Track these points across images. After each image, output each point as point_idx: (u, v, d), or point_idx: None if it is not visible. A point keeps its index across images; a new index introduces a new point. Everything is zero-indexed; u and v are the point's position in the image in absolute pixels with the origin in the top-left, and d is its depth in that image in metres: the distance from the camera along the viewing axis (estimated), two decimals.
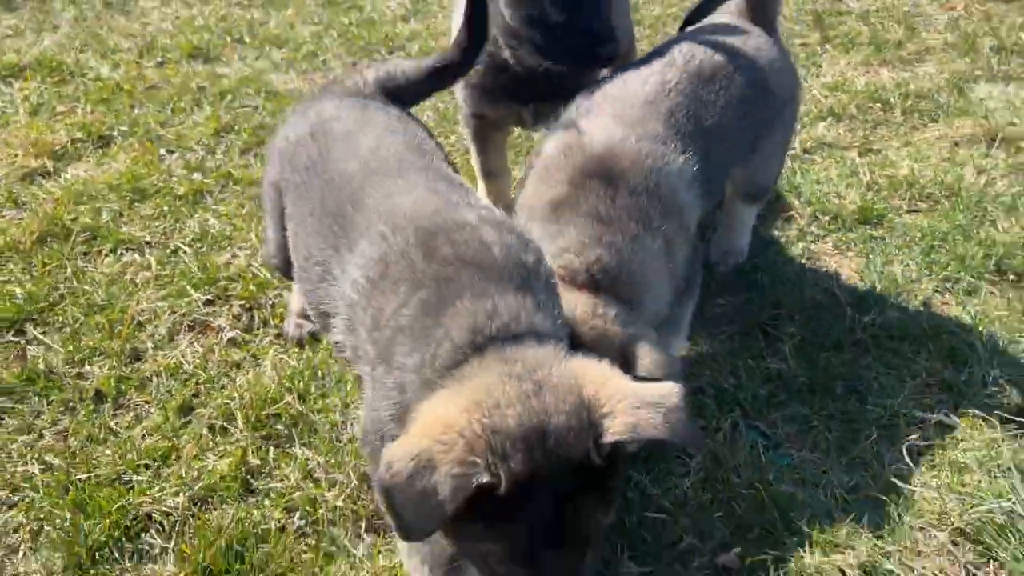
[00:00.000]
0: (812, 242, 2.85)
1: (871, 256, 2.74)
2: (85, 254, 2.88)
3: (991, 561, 1.77)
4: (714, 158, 2.36)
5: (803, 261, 2.79)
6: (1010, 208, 2.88)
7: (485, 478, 1.23)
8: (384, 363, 1.58)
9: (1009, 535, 1.78)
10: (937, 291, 2.60)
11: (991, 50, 3.94)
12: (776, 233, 2.92)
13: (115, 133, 3.59)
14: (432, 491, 1.24)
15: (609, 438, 1.30)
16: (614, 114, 2.30)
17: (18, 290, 2.61)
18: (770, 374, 2.34)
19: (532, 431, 1.30)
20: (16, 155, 3.38)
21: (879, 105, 3.60)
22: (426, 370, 1.48)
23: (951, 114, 3.53)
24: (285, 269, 2.24)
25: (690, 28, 2.79)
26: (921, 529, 1.90)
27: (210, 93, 3.90)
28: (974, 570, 1.78)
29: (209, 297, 2.65)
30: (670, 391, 1.37)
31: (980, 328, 2.41)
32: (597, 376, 1.42)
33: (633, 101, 2.34)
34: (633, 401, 1.35)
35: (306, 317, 2.41)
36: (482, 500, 1.25)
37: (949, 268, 2.64)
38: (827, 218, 2.93)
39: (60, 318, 2.56)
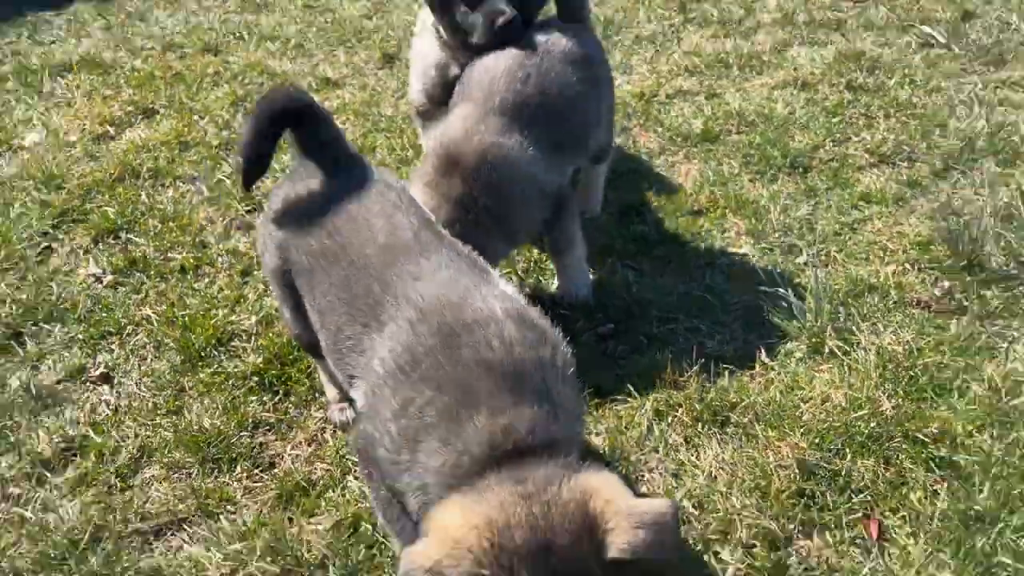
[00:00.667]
0: (669, 155, 3.34)
1: (708, 161, 3.25)
2: (152, 187, 3.25)
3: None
4: (562, 134, 2.54)
5: (662, 167, 3.30)
6: (804, 127, 3.39)
7: None
8: (408, 453, 1.47)
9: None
10: (751, 180, 3.13)
11: (803, 23, 4.45)
12: (644, 150, 3.41)
13: (156, 106, 3.84)
14: None
15: (609, 555, 1.25)
16: (474, 104, 2.45)
17: (110, 211, 3.02)
18: (637, 234, 2.86)
19: (538, 550, 1.24)
20: (84, 125, 3.66)
21: (721, 64, 4.04)
22: (447, 477, 1.40)
23: (771, 68, 3.99)
24: (314, 350, 2.05)
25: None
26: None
27: (224, 76, 4.18)
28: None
29: (250, 208, 3.08)
30: (666, 511, 1.30)
31: (776, 200, 2.98)
32: (603, 492, 1.32)
33: (490, 92, 2.46)
34: (633, 521, 1.27)
35: (343, 400, 2.23)
36: None
37: (759, 165, 3.16)
38: (680, 139, 3.40)
39: (144, 227, 2.98)
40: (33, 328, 2.68)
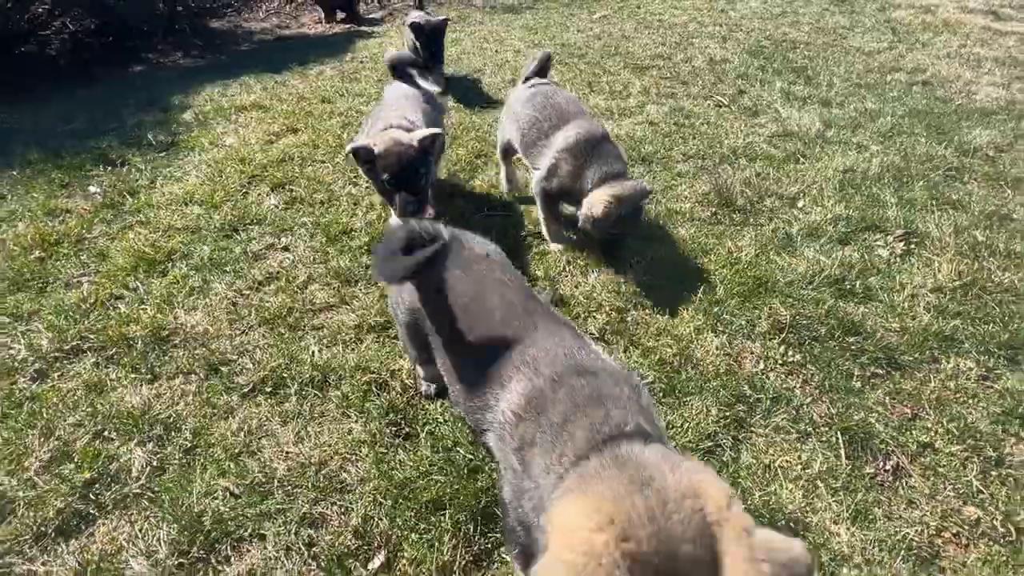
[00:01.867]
0: None
1: None
2: (300, 165, 3.64)
3: None
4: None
5: None
6: (650, 143, 3.92)
7: None
8: (526, 473, 1.15)
9: None
10: None
11: (654, 94, 4.77)
12: None
13: (298, 127, 4.23)
14: None
15: None
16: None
17: (278, 174, 3.52)
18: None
19: (664, 561, 0.79)
20: (258, 135, 4.11)
21: (609, 113, 4.41)
22: (555, 468, 1.06)
23: (635, 115, 4.28)
24: (425, 363, 1.84)
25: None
26: None
27: (334, 114, 4.52)
28: None
29: (355, 173, 3.58)
30: (801, 556, 0.81)
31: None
32: (716, 496, 0.86)
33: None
34: (761, 554, 0.80)
35: (431, 380, 2.00)
36: None
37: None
38: None
39: (298, 183, 3.44)
40: (243, 227, 3.03)
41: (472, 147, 3.94)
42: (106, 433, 1.91)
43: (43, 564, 1.56)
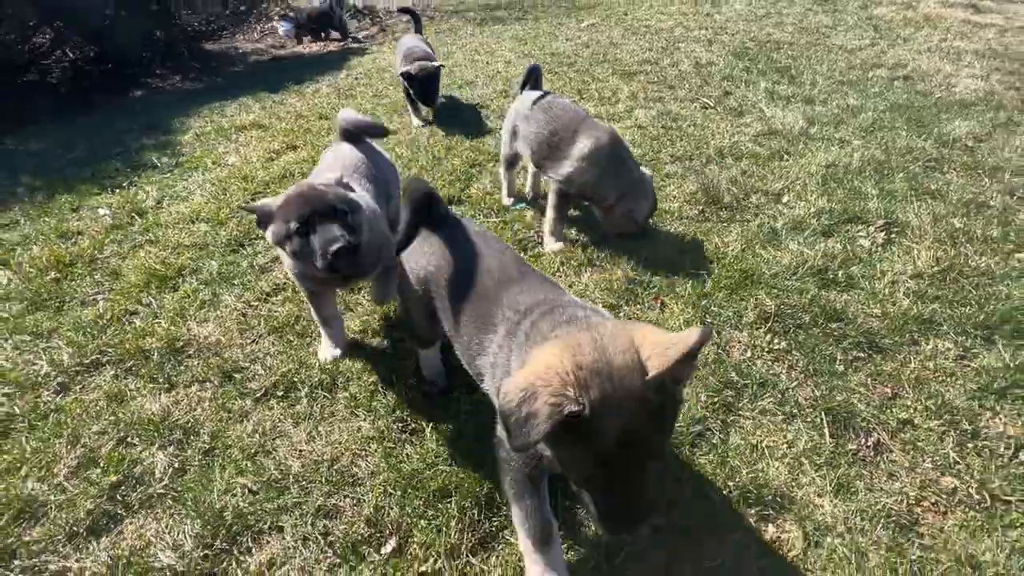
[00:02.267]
0: None
1: None
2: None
3: None
4: None
5: None
6: (639, 146, 4.11)
7: (574, 407, 1.05)
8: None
9: None
10: None
11: (641, 99, 4.97)
12: None
13: (297, 144, 4.41)
14: (534, 414, 1.04)
15: (652, 373, 1.08)
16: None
17: (279, 190, 3.67)
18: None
19: (604, 367, 1.09)
20: (259, 153, 4.28)
21: (600, 118, 4.55)
22: (528, 352, 1.32)
23: (624, 119, 4.44)
24: (425, 345, 2.09)
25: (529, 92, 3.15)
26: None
27: (331, 129, 4.64)
28: None
29: None
30: (689, 336, 1.09)
31: None
32: (642, 330, 1.18)
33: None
34: (665, 346, 1.11)
35: (432, 371, 2.20)
36: (572, 422, 1.05)
37: None
38: None
39: None
40: (249, 242, 3.26)
41: (467, 157, 4.10)
42: (129, 439, 2.04)
43: (76, 561, 1.68)
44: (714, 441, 1.98)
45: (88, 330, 2.55)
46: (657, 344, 1.12)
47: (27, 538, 1.73)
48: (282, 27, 8.90)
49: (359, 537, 1.71)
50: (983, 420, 2.04)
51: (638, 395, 1.08)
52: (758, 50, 6.22)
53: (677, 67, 5.83)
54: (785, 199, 3.40)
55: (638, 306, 2.62)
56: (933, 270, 2.73)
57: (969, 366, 2.26)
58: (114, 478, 1.88)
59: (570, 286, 2.75)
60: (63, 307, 2.76)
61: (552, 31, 7.89)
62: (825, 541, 1.68)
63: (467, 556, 1.65)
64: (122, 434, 2.05)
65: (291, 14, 8.87)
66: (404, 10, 6.37)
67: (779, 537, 1.70)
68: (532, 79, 3.33)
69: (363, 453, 1.97)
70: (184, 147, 4.61)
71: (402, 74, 4.52)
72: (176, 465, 1.94)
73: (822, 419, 2.06)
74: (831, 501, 1.79)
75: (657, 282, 2.74)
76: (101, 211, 3.62)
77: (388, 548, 1.67)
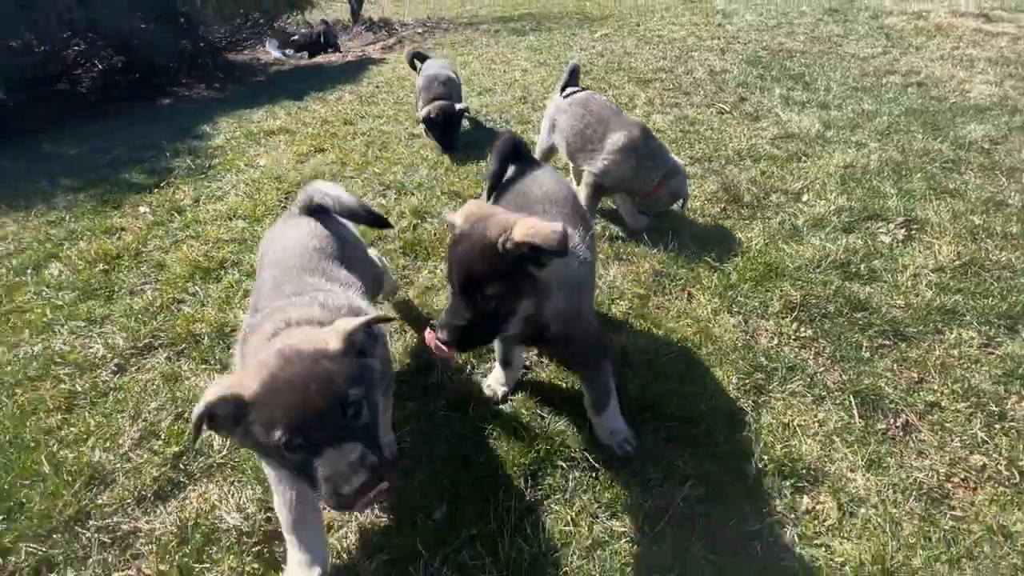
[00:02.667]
0: None
1: None
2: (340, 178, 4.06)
3: None
4: None
5: None
6: None
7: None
8: None
9: None
10: None
11: (659, 104, 5.13)
12: None
13: (325, 147, 4.57)
14: None
15: (513, 239, 1.39)
16: None
17: None
18: None
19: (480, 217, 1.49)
20: (288, 156, 4.45)
21: None
22: None
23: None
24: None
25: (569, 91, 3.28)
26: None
27: (356, 133, 4.86)
28: None
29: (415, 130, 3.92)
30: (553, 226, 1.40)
31: None
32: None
33: None
34: (529, 224, 1.41)
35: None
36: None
37: None
38: None
39: None
40: None
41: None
42: (186, 415, 2.16)
43: (146, 523, 1.79)
44: (747, 420, 2.07)
45: (139, 316, 2.69)
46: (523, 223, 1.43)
47: (99, 501, 1.85)
48: (272, 49, 9.30)
49: (413, 503, 1.81)
50: (1009, 403, 2.12)
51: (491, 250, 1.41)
52: (771, 58, 6.39)
53: (692, 75, 5.99)
54: (805, 198, 3.51)
55: (666, 296, 2.73)
56: (954, 264, 2.82)
57: (993, 353, 2.35)
58: (176, 449, 2.00)
59: (599, 277, 2.87)
60: (113, 296, 2.91)
61: (566, 41, 8.11)
62: (859, 512, 1.77)
63: (515, 520, 1.75)
64: (179, 410, 2.17)
65: (287, 31, 9.37)
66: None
67: (814, 508, 1.79)
68: (572, 76, 3.46)
69: (407, 428, 2.08)
70: (215, 151, 4.80)
71: (423, 120, 4.31)
72: None
73: (851, 401, 2.14)
74: (863, 475, 1.87)
75: (684, 275, 2.85)
76: (142, 209, 3.79)
77: (439, 513, 1.77)
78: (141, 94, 7.10)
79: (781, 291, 2.68)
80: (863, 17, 8.09)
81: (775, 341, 2.44)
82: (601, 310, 2.62)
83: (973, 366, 2.28)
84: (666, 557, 1.64)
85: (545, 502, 1.82)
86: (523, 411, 2.11)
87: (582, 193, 3.18)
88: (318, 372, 1.19)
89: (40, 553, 1.71)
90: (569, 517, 1.75)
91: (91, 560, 1.70)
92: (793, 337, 2.45)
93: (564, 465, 1.91)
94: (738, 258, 2.94)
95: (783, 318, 2.55)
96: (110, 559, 1.70)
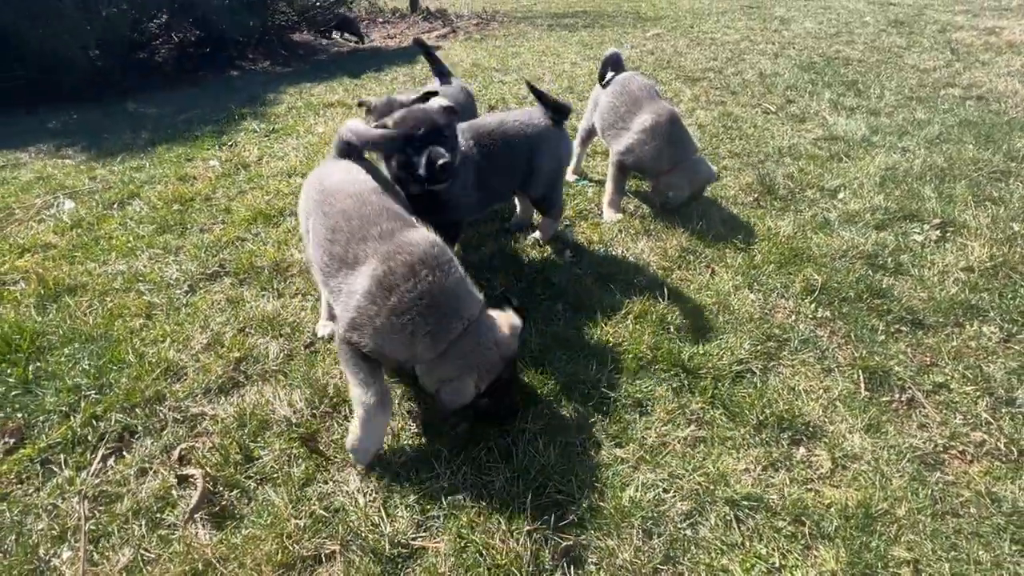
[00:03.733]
0: None
1: None
2: None
3: None
4: None
5: None
6: (700, 142, 4.48)
7: None
8: None
9: None
10: None
11: (703, 101, 5.29)
12: None
13: None
14: None
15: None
16: None
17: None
18: None
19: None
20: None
21: None
22: None
23: (685, 120, 4.93)
24: None
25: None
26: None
27: None
28: None
29: None
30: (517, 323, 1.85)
31: None
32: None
33: None
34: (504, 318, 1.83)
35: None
36: None
37: None
38: None
39: None
40: None
41: None
42: (247, 330, 2.48)
43: (211, 409, 2.11)
44: (754, 380, 2.23)
45: (208, 249, 3.06)
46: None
47: (173, 388, 2.18)
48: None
49: (438, 420, 2.06)
50: (1020, 392, 2.20)
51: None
52: (825, 64, 6.39)
53: (741, 76, 6.08)
54: (840, 196, 3.59)
55: (690, 271, 2.89)
56: (985, 265, 2.87)
57: (1012, 348, 2.41)
58: (238, 355, 2.32)
59: (627, 249, 3.06)
60: (185, 232, 3.30)
61: (618, 38, 8.29)
62: (852, 466, 1.91)
63: (528, 437, 1.97)
64: (241, 326, 2.50)
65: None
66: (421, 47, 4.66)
67: (808, 458, 1.93)
68: (615, 66, 3.58)
69: None
70: (278, 117, 5.24)
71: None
72: (286, 352, 2.36)
73: (859, 375, 2.27)
74: (861, 436, 2.00)
75: (709, 253, 3.01)
76: (212, 162, 4.21)
77: (461, 428, 2.01)
78: (211, 66, 7.71)
79: (804, 275, 2.80)
80: (930, 31, 7.93)
81: (792, 318, 2.57)
82: (625, 277, 2.81)
83: (989, 357, 2.36)
84: (661, 483, 1.82)
85: (560, 433, 2.03)
86: (546, 352, 2.33)
87: (608, 177, 3.36)
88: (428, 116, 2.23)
89: (125, 422, 2.05)
90: (578, 441, 1.96)
91: (165, 432, 2.02)
92: (810, 316, 2.58)
93: (577, 399, 2.12)
94: (765, 242, 3.07)
95: (803, 299, 2.68)
96: (181, 432, 2.02)
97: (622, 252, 3.03)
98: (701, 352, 2.31)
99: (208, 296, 2.72)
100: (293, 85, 6.36)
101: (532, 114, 2.77)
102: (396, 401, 2.11)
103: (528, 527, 1.65)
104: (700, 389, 2.16)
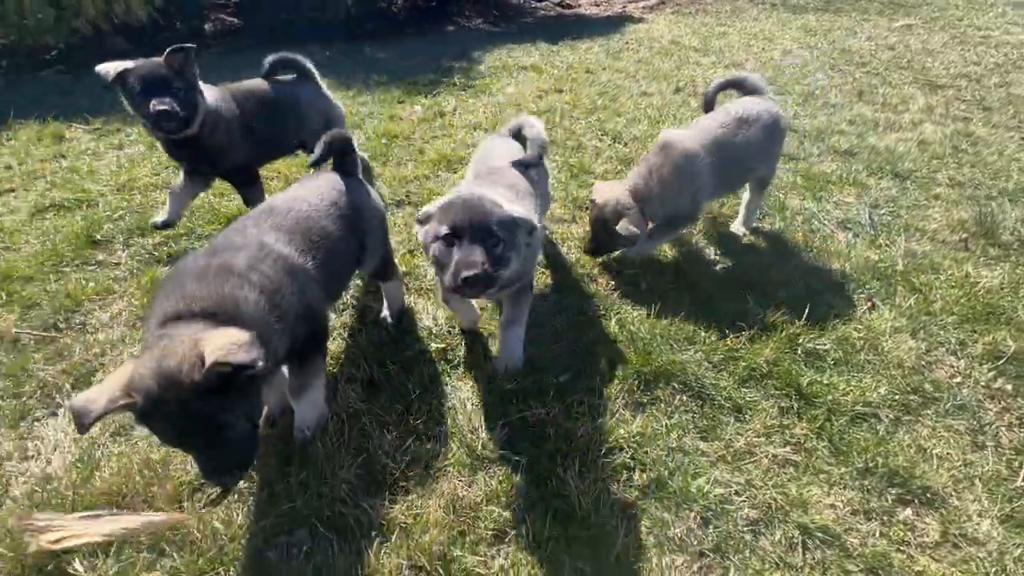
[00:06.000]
0: None
1: None
2: (568, 117, 4.68)
3: None
4: None
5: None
6: None
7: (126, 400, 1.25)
8: None
9: None
10: None
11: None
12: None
13: (563, 88, 5.19)
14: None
15: (208, 361, 1.25)
16: None
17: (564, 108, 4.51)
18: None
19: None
20: (534, 91, 5.23)
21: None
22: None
23: None
24: None
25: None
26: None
27: (596, 82, 5.39)
28: None
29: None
30: (241, 338, 1.32)
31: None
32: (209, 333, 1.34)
33: None
34: (220, 341, 1.30)
35: None
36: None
37: None
38: None
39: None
40: None
41: None
42: (414, 252, 3.02)
43: (375, 305, 2.69)
44: (877, 427, 2.07)
45: (400, 181, 3.70)
46: (216, 339, 1.31)
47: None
48: None
49: (544, 366, 2.34)
50: None
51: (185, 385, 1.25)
52: None
53: (1007, 89, 4.94)
54: None
55: (843, 299, 2.67)
56: None
57: None
58: (405, 270, 2.86)
59: (776, 263, 2.91)
60: (387, 163, 4.00)
61: (853, 26, 7.22)
62: (967, 548, 1.72)
63: (621, 406, 2.15)
64: (411, 248, 3.05)
65: None
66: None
67: (912, 522, 1.79)
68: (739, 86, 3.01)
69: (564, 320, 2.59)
70: (478, 75, 5.80)
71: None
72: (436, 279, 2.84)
73: (1021, 463, 1.95)
74: (992, 523, 1.77)
75: (876, 286, 2.72)
76: (417, 108, 4.92)
77: (564, 377, 2.26)
78: (434, 19, 8.67)
79: (993, 337, 2.40)
80: None
81: (956, 379, 2.26)
82: (766, 289, 2.70)
83: None
84: (735, 484, 1.87)
85: (650, 408, 2.16)
86: (653, 340, 2.42)
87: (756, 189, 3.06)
88: (477, 205, 1.83)
89: None
90: (664, 424, 2.07)
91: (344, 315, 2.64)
92: (982, 384, 2.24)
93: (676, 386, 2.21)
94: (955, 290, 2.66)
95: (980, 363, 2.32)
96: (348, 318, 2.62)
97: (770, 262, 2.90)
98: (824, 382, 2.20)
99: (391, 218, 3.33)
100: (498, 45, 6.89)
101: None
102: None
103: (596, 476, 1.87)
104: (810, 416, 2.09)
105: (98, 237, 3.10)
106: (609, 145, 4.16)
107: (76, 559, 1.62)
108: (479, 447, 1.97)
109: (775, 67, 5.75)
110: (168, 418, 1.29)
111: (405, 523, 1.72)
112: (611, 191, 2.74)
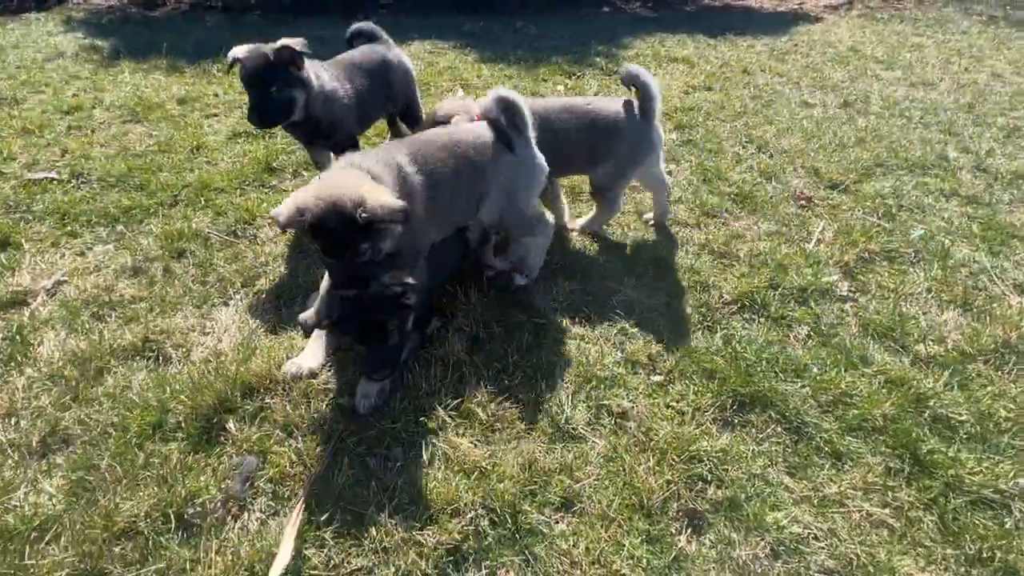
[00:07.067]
0: None
1: None
2: (713, 118, 4.47)
3: None
4: None
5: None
6: None
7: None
8: None
9: None
10: None
11: None
12: None
13: (713, 86, 4.96)
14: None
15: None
16: None
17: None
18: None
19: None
20: (682, 86, 5.04)
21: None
22: None
23: None
24: None
25: None
26: None
27: (750, 84, 5.06)
28: None
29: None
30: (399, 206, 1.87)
31: None
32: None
33: None
34: (381, 196, 1.87)
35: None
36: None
37: None
38: None
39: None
40: None
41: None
42: None
43: None
44: (1005, 520, 1.83)
45: None
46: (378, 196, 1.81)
47: None
48: None
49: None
50: None
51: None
52: None
53: None
54: None
55: (1000, 365, 2.34)
56: None
57: None
58: None
59: (922, 314, 2.61)
60: None
61: None
62: None
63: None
64: None
65: None
66: None
67: None
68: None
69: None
70: (623, 60, 5.71)
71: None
72: None
73: None
74: None
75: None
76: (559, 87, 4.99)
77: (657, 378, 2.29)
78: (587, 1, 8.59)
79: None
80: None
81: None
82: (903, 340, 2.46)
83: None
84: (816, 530, 1.79)
85: (739, 429, 2.11)
86: (767, 358, 2.33)
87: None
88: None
89: None
90: (752, 449, 2.02)
91: None
92: None
93: (772, 415, 2.12)
94: None
95: None
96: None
97: (919, 312, 2.61)
98: (950, 454, 1.98)
99: None
100: (651, 33, 6.68)
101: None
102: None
103: (670, 477, 1.89)
104: (922, 487, 1.90)
105: (274, 165, 3.63)
106: (752, 154, 3.92)
107: (231, 420, 2.03)
108: (563, 421, 2.08)
109: (976, 91, 4.95)
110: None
111: (485, 468, 1.90)
112: None
